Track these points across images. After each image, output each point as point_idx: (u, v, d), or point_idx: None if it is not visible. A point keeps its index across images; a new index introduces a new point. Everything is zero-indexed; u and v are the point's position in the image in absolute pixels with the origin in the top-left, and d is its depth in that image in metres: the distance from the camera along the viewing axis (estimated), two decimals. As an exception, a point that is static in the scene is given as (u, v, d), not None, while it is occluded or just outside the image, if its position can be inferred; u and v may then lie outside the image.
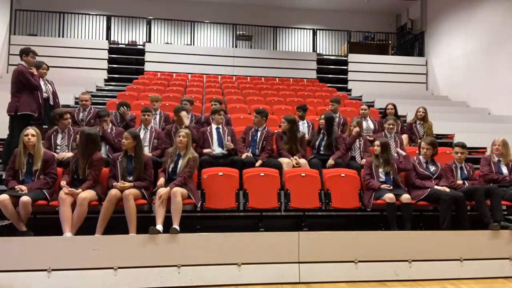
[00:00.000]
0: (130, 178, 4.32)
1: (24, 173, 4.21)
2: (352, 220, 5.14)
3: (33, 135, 4.22)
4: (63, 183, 4.16)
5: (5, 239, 3.77)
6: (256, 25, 13.33)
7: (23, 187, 4.06)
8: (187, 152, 4.49)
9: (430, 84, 12.72)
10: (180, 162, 4.46)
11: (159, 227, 3.95)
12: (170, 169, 4.47)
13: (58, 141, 5.05)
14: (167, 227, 4.02)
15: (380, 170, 4.86)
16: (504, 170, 5.09)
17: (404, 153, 5.44)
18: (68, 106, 7.67)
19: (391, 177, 4.83)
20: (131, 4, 13.39)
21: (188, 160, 4.45)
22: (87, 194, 4.07)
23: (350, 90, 12.11)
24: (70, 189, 4.08)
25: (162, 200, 4.08)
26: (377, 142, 4.98)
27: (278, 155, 5.43)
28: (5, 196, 3.91)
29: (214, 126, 5.45)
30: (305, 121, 6.29)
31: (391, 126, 5.97)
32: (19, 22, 11.62)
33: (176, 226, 3.97)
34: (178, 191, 4.14)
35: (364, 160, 5.33)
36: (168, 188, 4.18)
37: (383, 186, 4.70)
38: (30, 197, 3.95)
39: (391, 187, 4.69)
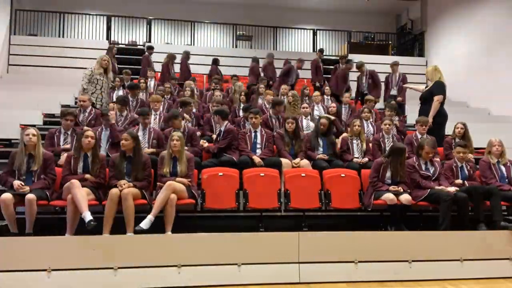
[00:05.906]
0: (128, 179, 4.31)
1: (23, 173, 4.16)
2: (352, 220, 5.13)
3: (33, 135, 4.20)
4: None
5: (5, 239, 3.77)
6: (256, 25, 13.34)
7: (25, 186, 4.03)
8: (183, 154, 4.46)
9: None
10: (178, 165, 4.43)
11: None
12: (169, 174, 4.40)
13: (61, 142, 5.03)
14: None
15: (388, 174, 4.76)
16: (504, 171, 5.03)
17: None
18: (68, 106, 7.66)
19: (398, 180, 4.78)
20: (131, 4, 13.37)
21: (188, 162, 4.45)
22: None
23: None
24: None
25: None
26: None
27: (278, 155, 5.41)
28: (8, 195, 3.87)
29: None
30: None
31: (387, 126, 5.77)
32: (19, 22, 11.59)
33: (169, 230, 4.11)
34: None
35: (364, 159, 5.33)
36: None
37: (391, 188, 4.63)
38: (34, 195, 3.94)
39: (401, 189, 4.63)
